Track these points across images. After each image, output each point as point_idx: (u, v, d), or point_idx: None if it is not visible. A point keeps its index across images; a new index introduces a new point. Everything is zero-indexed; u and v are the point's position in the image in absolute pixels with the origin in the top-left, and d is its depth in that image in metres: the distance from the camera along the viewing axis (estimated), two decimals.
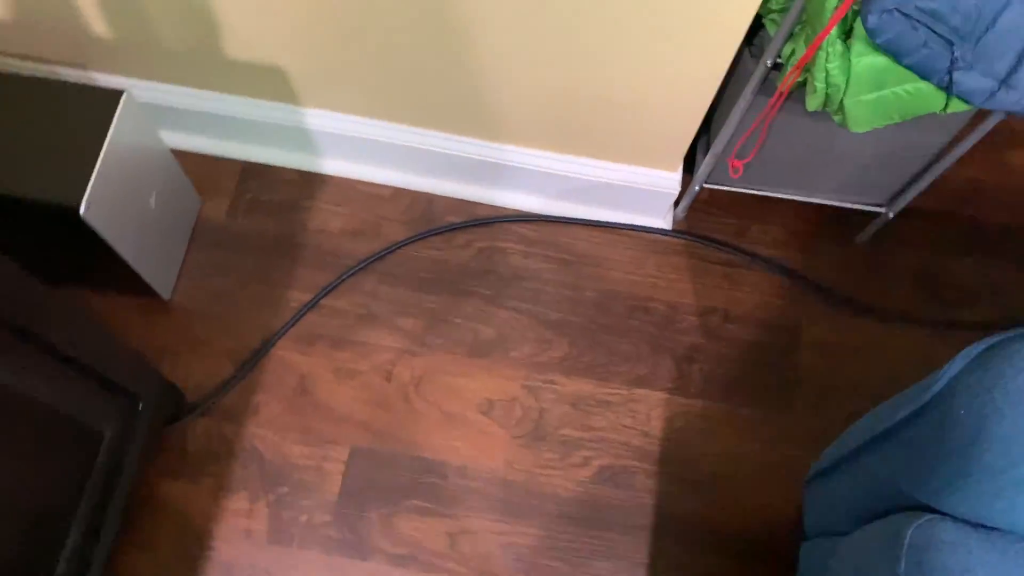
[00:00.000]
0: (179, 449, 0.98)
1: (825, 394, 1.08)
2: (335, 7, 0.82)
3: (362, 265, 1.11)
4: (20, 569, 0.70)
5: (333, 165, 1.17)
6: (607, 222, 1.16)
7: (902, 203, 1.06)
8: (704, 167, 1.01)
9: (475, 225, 1.16)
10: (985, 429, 0.56)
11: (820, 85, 0.74)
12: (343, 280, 1.10)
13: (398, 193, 1.17)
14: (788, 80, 0.76)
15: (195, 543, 0.95)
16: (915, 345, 1.11)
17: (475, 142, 1.06)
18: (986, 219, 1.22)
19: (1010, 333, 0.59)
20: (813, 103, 0.77)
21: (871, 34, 0.67)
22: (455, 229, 1.16)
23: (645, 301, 1.12)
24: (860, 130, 0.78)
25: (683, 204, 1.12)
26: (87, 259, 0.92)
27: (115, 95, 0.84)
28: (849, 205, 1.10)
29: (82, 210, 0.79)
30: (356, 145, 1.10)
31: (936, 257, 1.19)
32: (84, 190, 0.79)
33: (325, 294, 1.09)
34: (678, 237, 1.16)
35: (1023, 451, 0.54)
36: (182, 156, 1.15)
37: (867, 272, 1.16)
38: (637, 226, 1.16)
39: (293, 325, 1.07)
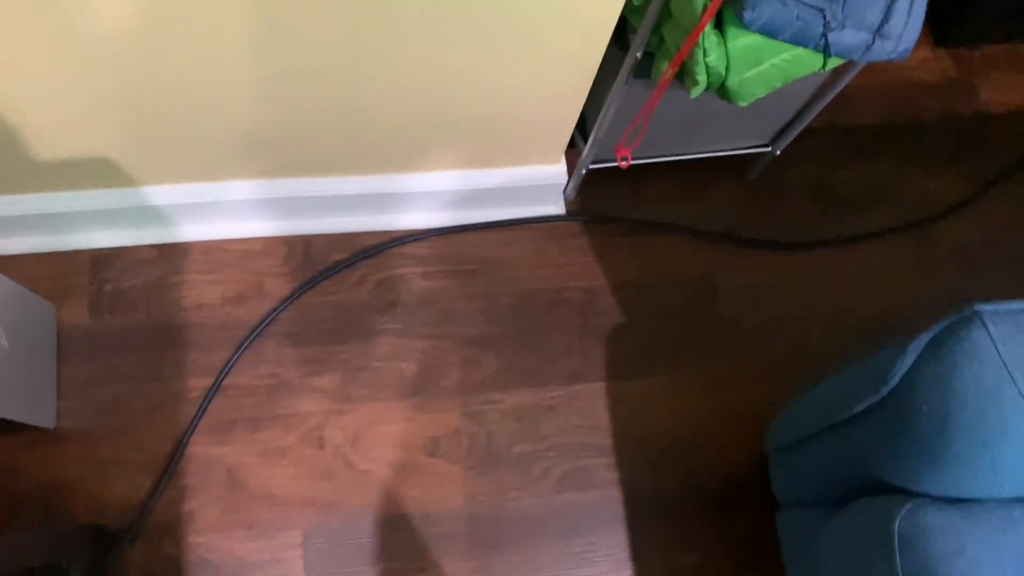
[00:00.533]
0: None
1: (755, 334, 1.28)
2: (131, 85, 0.88)
3: (256, 332, 1.20)
4: None
5: (191, 230, 1.23)
6: (500, 221, 1.30)
7: (786, 140, 1.26)
8: (586, 152, 1.17)
9: (364, 258, 1.26)
10: (951, 421, 0.65)
11: (702, 78, 0.87)
12: (241, 354, 1.19)
13: (270, 243, 1.25)
14: (665, 76, 0.90)
15: None
16: (824, 265, 1.34)
17: (343, 179, 1.15)
18: (862, 123, 1.47)
19: (951, 318, 0.69)
20: (696, 92, 0.90)
21: (747, 26, 0.79)
22: (344, 267, 1.26)
23: (559, 292, 1.27)
24: (745, 103, 0.93)
25: (571, 186, 1.28)
26: None
27: None
28: (734, 152, 1.29)
29: None
30: (209, 207, 1.17)
31: (824, 174, 1.42)
32: None
33: (226, 374, 1.18)
34: (574, 220, 1.32)
35: (991, 432, 0.63)
36: (16, 262, 1.18)
37: (763, 208, 1.37)
38: (531, 218, 1.31)
39: (202, 416, 1.15)
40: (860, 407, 0.79)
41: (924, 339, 0.71)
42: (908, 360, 0.71)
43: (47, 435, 1.11)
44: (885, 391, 0.74)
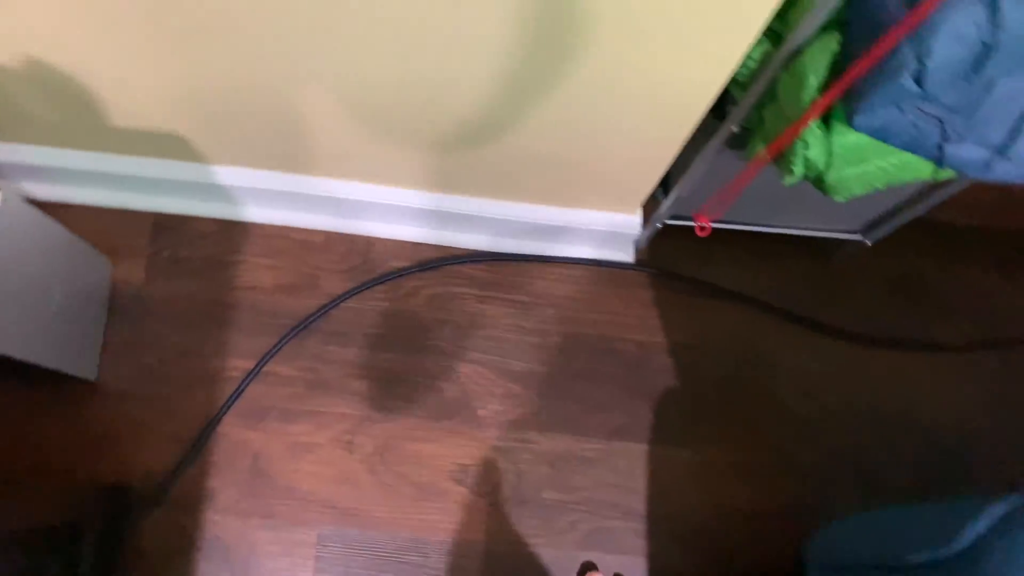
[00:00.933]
0: (136, 549, 1.17)
1: (807, 424, 1.37)
2: (227, 72, 0.98)
3: (304, 325, 1.33)
4: None
5: (256, 213, 1.37)
6: (564, 257, 1.41)
7: (880, 233, 1.33)
8: (665, 207, 1.28)
9: (423, 270, 1.39)
10: None
11: (798, 169, 0.92)
12: (285, 343, 1.32)
13: (331, 239, 1.39)
14: (760, 158, 0.96)
15: None
16: (894, 366, 1.42)
17: (416, 192, 1.28)
18: (961, 222, 1.54)
19: None
20: (790, 182, 0.95)
21: (857, 129, 0.83)
22: (401, 276, 1.39)
23: (613, 342, 1.38)
24: (841, 199, 0.96)
25: (644, 237, 1.39)
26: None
27: None
28: (822, 235, 1.37)
29: None
30: (278, 196, 1.31)
31: (911, 270, 1.49)
32: None
33: (267, 361, 1.31)
34: (641, 270, 1.43)
35: None
36: (79, 211, 1.32)
37: (839, 293, 1.47)
38: (597, 261, 1.42)
39: (237, 399, 1.28)
40: (920, 557, 0.81)
41: (999, 511, 0.74)
42: (980, 527, 0.75)
43: (86, 389, 1.24)
44: (950, 552, 0.76)
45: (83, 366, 1.22)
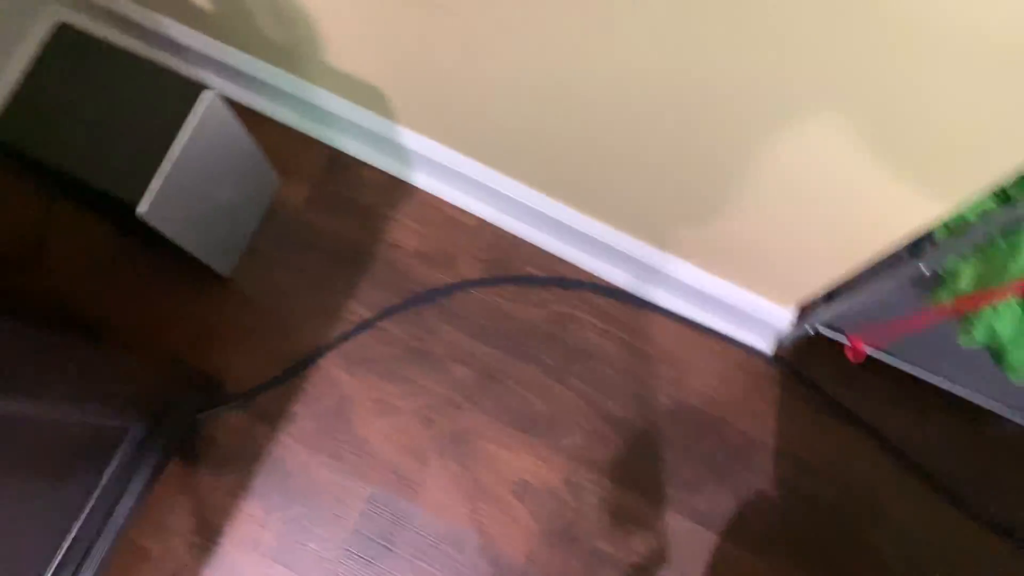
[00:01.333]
0: (208, 437, 1.36)
1: None
2: (447, 52, 1.11)
3: (429, 297, 1.49)
4: (53, 524, 1.10)
5: (424, 180, 1.55)
6: (700, 323, 1.50)
7: None
8: (822, 314, 1.35)
9: (555, 284, 1.52)
10: None
11: (980, 337, 0.92)
12: (407, 308, 1.48)
13: (482, 226, 1.54)
14: (943, 309, 0.96)
15: (205, 535, 1.32)
16: (1014, 561, 1.39)
17: (578, 216, 1.41)
18: None
19: None
20: (965, 343, 0.96)
21: None
22: (533, 283, 1.53)
23: (720, 424, 1.46)
24: (1018, 380, 0.96)
25: (791, 333, 1.46)
26: (154, 238, 1.30)
27: (198, 91, 1.12)
28: (983, 404, 1.34)
29: (141, 209, 1.09)
30: (451, 174, 1.48)
31: None
32: (145, 189, 1.09)
33: (384, 317, 1.48)
34: (776, 366, 1.50)
35: None
36: (269, 125, 1.53)
37: (980, 467, 1.44)
38: (733, 339, 1.50)
39: (345, 341, 1.45)
40: None
41: None
42: None
43: (216, 283, 1.45)
44: None
45: (222, 262, 1.43)
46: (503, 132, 1.26)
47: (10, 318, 0.80)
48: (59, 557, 1.12)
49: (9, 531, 1.01)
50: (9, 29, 1.52)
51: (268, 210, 1.50)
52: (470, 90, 1.18)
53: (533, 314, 1.48)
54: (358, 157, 1.55)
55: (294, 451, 1.37)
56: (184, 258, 1.33)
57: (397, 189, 1.54)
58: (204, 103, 1.14)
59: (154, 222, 1.14)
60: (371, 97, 1.37)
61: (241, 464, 1.36)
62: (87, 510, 1.15)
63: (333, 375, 1.41)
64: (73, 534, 1.14)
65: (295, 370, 1.41)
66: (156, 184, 1.11)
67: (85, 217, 1.46)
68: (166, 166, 1.12)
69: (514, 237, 1.52)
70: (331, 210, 1.51)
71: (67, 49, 1.16)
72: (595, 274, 1.50)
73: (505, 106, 1.18)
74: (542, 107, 1.13)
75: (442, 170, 1.46)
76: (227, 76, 1.52)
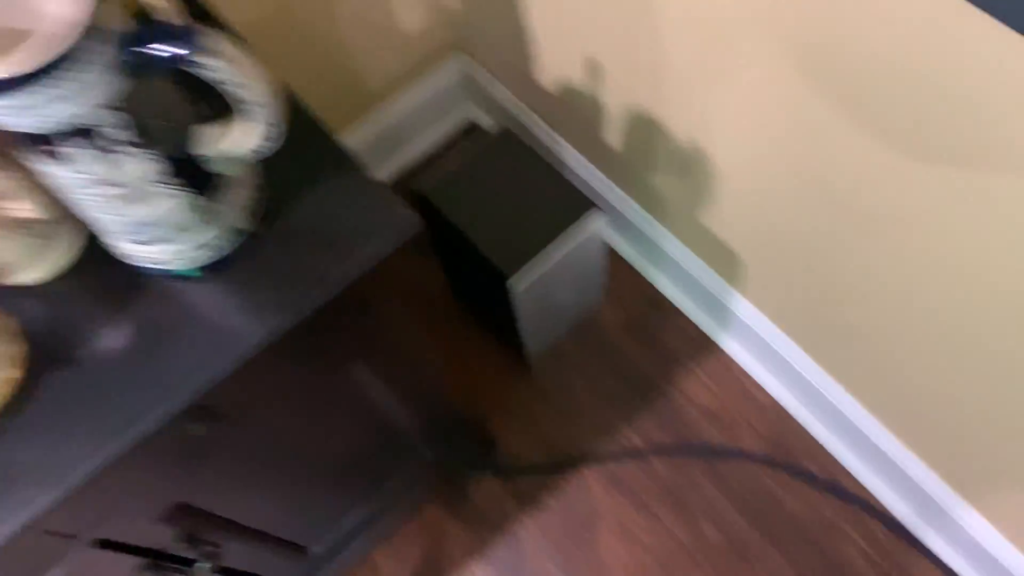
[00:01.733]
0: (465, 491, 1.47)
1: None
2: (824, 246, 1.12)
3: (703, 453, 1.51)
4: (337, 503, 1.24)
5: (734, 347, 1.60)
6: None
7: None
8: None
9: (832, 491, 1.48)
10: None
11: None
12: (678, 452, 1.52)
13: (774, 407, 1.55)
14: None
15: (432, 573, 1.42)
16: None
17: (880, 428, 1.36)
18: None
19: None
20: None
21: None
22: (811, 481, 1.50)
23: None
24: None
25: None
26: (494, 310, 1.45)
27: (589, 206, 1.29)
28: None
29: (512, 282, 1.27)
30: (767, 352, 1.52)
31: None
32: (520, 268, 1.26)
33: (657, 454, 1.52)
34: None
35: None
36: (616, 256, 1.70)
37: None
38: None
39: (613, 460, 1.50)
40: None
41: None
42: None
43: (520, 368, 1.58)
44: None
45: (534, 352, 1.56)
46: (878, 370, 1.24)
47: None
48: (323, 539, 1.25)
49: (303, 500, 1.14)
50: (426, 118, 1.81)
51: (581, 323, 1.62)
52: (857, 316, 1.18)
53: (801, 511, 1.45)
54: (676, 304, 1.64)
55: (535, 538, 1.42)
56: (504, 336, 1.48)
57: (705, 346, 1.61)
58: (594, 220, 1.31)
59: (515, 295, 1.30)
60: (719, 256, 1.44)
61: (485, 529, 1.43)
62: (353, 512, 1.27)
63: (591, 486, 1.46)
64: (338, 523, 1.26)
65: (560, 467, 1.48)
66: (532, 266, 1.28)
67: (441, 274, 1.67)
68: (545, 257, 1.28)
69: (800, 427, 1.52)
70: (638, 341, 1.60)
71: (501, 143, 1.39)
72: (873, 493, 1.45)
73: (903, 353, 1.14)
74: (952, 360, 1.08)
75: (759, 345, 1.50)
76: (598, 203, 1.69)
